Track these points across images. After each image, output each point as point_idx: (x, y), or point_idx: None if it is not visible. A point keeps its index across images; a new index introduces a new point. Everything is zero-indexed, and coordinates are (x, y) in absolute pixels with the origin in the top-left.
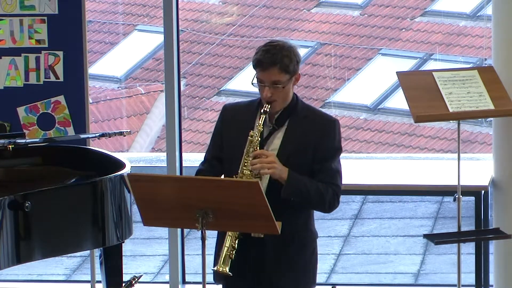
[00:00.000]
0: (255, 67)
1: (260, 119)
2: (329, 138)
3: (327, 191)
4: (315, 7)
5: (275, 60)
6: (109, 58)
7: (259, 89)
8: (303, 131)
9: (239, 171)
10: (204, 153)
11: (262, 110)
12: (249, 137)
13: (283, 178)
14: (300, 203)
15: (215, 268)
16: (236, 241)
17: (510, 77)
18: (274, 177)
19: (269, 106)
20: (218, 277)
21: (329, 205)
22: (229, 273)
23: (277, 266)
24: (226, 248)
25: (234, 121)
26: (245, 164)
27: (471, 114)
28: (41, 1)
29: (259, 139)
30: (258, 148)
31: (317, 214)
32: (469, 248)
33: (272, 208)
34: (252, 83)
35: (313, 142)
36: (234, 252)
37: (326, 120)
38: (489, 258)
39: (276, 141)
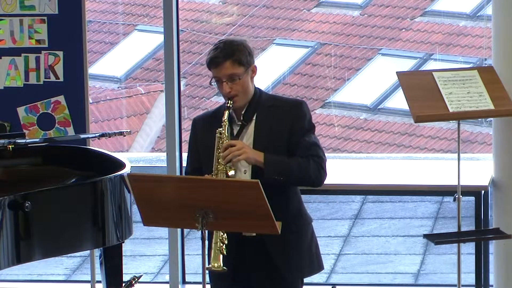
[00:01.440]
0: (209, 66)
1: (224, 115)
2: (300, 119)
3: (309, 163)
4: (315, 7)
5: (226, 54)
6: (109, 58)
7: (218, 88)
8: (272, 120)
9: (213, 168)
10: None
11: (225, 106)
12: (217, 134)
13: (260, 162)
14: (285, 181)
15: (209, 266)
16: (224, 235)
17: (510, 77)
18: (249, 162)
19: (231, 102)
20: (215, 278)
21: (315, 177)
22: (224, 268)
23: (282, 258)
24: (214, 245)
25: (206, 131)
26: (218, 160)
27: (471, 114)
28: (41, 1)
29: (227, 134)
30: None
31: (316, 214)
32: (469, 248)
33: None
34: (210, 84)
35: (285, 127)
36: (224, 246)
37: (293, 104)
38: (489, 258)
39: (249, 135)
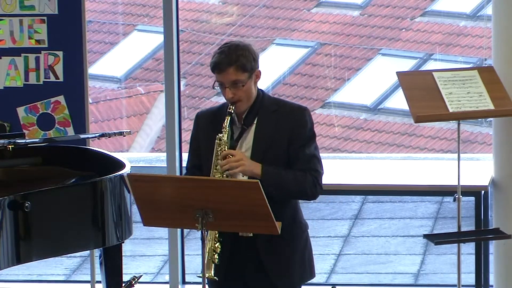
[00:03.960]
0: (213, 70)
1: (226, 121)
2: (301, 127)
3: (306, 178)
4: (315, 7)
5: (230, 60)
6: (109, 58)
7: (221, 92)
8: (273, 125)
9: (211, 174)
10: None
11: (227, 112)
12: (216, 140)
13: (257, 174)
14: (280, 194)
15: (200, 275)
16: (217, 244)
17: (510, 77)
18: (246, 174)
19: (233, 107)
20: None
21: (311, 192)
22: (215, 277)
23: (272, 264)
24: (206, 254)
25: (209, 127)
26: (216, 167)
27: (471, 114)
28: (41, 1)
29: (227, 141)
30: (226, 149)
31: (316, 214)
32: (469, 248)
33: None
34: (213, 87)
35: (286, 133)
36: (216, 256)
37: (295, 110)
38: (489, 258)
39: (248, 140)
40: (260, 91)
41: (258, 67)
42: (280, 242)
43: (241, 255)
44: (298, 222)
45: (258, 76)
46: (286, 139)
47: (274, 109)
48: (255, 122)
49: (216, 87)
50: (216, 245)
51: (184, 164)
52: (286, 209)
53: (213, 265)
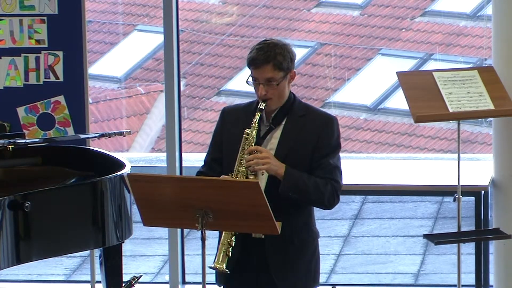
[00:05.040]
0: (249, 65)
1: (256, 117)
2: (327, 136)
3: (326, 186)
4: (315, 7)
5: (268, 57)
6: (109, 58)
7: (254, 88)
8: (300, 129)
9: (234, 169)
10: (205, 156)
11: (258, 108)
12: (244, 135)
13: (279, 174)
14: (299, 199)
15: (212, 265)
16: (233, 238)
17: (510, 77)
18: (270, 173)
19: (264, 104)
20: (220, 278)
21: (328, 201)
22: (226, 270)
23: (278, 267)
24: (222, 245)
25: (234, 123)
26: (241, 161)
27: (471, 114)
28: (41, 1)
29: (254, 137)
30: (253, 145)
31: (316, 214)
32: (469, 248)
33: (271, 207)
34: (247, 82)
35: (312, 140)
36: (230, 249)
37: (324, 118)
38: (489, 258)
39: (274, 140)
40: (292, 94)
41: (293, 68)
42: (289, 246)
43: (249, 254)
44: (310, 229)
45: (292, 77)
46: (311, 146)
47: (302, 114)
48: (283, 123)
49: (249, 82)
50: (232, 238)
51: (184, 164)
52: (301, 214)
53: (226, 258)
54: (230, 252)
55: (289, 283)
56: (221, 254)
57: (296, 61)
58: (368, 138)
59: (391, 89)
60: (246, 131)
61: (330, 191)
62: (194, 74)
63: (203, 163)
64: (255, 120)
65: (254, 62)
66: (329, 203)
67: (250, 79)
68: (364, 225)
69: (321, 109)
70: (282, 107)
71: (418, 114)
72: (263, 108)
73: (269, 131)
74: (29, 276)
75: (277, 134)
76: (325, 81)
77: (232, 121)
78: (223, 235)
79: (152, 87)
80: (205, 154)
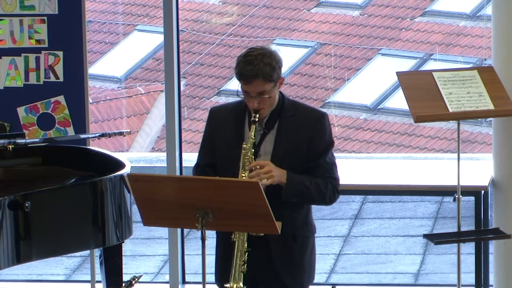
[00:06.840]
0: (238, 79)
1: (252, 130)
2: (320, 133)
3: (327, 186)
4: (315, 7)
5: (257, 72)
6: (109, 58)
7: (245, 99)
8: (293, 129)
9: None
10: (196, 158)
11: (251, 120)
12: (242, 150)
13: (282, 182)
14: (301, 202)
15: (229, 286)
16: (246, 255)
17: (510, 77)
18: (273, 183)
19: (258, 116)
20: (220, 278)
21: (329, 199)
22: (244, 287)
23: (285, 265)
24: (237, 265)
25: (223, 124)
26: (242, 177)
27: (471, 114)
28: (41, 1)
29: (253, 150)
30: (252, 159)
31: (316, 214)
32: (469, 248)
33: (272, 207)
34: (237, 94)
35: (305, 139)
36: (245, 266)
37: (314, 115)
38: (489, 258)
39: (269, 144)
40: (280, 95)
41: (281, 75)
42: (292, 244)
43: (253, 254)
44: (309, 224)
45: (281, 83)
46: (306, 145)
47: (293, 113)
48: (275, 126)
49: (239, 95)
50: (245, 256)
51: (184, 164)
52: (301, 211)
53: (242, 275)
54: (245, 269)
55: (296, 279)
56: (236, 273)
57: (296, 61)
58: (368, 138)
59: (391, 89)
60: (243, 145)
61: (331, 189)
62: (194, 74)
63: (195, 164)
64: (251, 134)
65: (243, 78)
66: (330, 201)
67: (240, 91)
68: (364, 225)
69: (310, 105)
70: (273, 111)
71: (418, 114)
72: (257, 119)
73: (263, 135)
74: (29, 276)
75: (271, 138)
76: (325, 81)
77: (221, 123)
78: (235, 254)
79: (152, 87)
80: (197, 155)
